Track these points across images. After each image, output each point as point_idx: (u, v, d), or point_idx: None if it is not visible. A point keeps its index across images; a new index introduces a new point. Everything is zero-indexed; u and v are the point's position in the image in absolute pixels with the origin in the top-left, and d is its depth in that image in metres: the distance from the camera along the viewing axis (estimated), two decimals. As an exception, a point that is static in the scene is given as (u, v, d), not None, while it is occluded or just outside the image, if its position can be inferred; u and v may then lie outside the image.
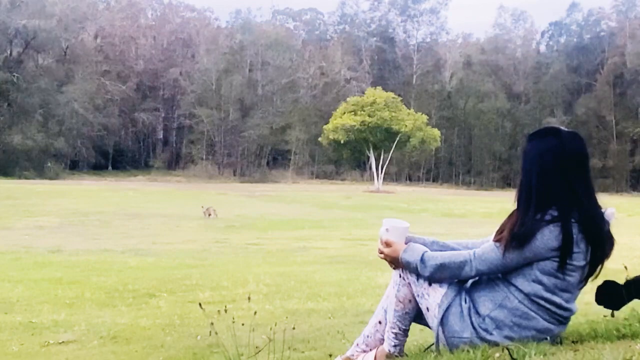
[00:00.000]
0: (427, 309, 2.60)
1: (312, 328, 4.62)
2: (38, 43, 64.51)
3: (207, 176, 64.33)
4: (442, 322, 2.54)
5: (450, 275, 2.55)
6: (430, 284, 2.59)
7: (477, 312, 2.53)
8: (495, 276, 2.58)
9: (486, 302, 2.54)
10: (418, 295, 2.62)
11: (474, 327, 2.51)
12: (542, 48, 78.10)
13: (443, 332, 2.54)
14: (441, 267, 2.54)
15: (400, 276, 2.65)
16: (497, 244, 2.52)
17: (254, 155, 69.69)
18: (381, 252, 2.66)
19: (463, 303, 2.55)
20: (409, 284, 2.63)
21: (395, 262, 2.64)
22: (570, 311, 2.58)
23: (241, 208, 28.67)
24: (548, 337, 2.51)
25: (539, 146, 2.63)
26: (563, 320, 2.57)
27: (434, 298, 2.58)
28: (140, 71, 72.52)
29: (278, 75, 71.10)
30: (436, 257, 2.56)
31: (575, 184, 2.56)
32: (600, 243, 2.54)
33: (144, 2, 79.03)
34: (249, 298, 5.37)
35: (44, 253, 12.82)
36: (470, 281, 2.62)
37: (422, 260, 2.56)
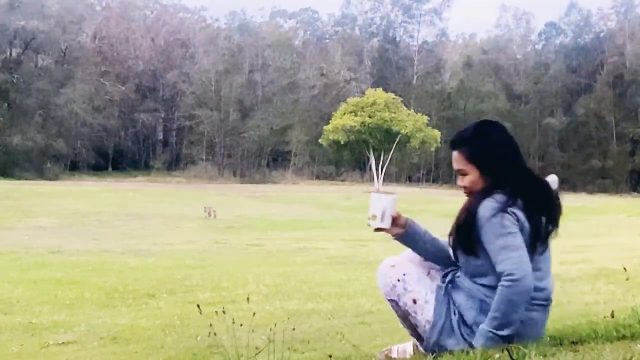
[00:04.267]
0: (417, 325, 2.60)
1: (312, 329, 4.62)
2: (37, 44, 64.54)
3: (207, 177, 64.32)
4: (437, 342, 2.54)
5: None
6: (415, 302, 2.58)
7: (465, 323, 2.53)
8: (467, 281, 2.57)
9: (469, 310, 2.53)
10: (406, 312, 2.62)
11: (464, 339, 2.50)
12: (542, 48, 78.09)
13: (438, 349, 2.53)
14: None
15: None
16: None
17: (254, 156, 69.68)
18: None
19: (452, 315, 2.55)
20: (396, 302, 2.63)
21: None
22: (546, 289, 2.57)
23: (241, 209, 28.68)
24: (539, 329, 2.52)
25: (472, 149, 2.63)
26: (544, 303, 2.56)
27: (423, 315, 2.58)
28: (140, 72, 72.52)
29: (278, 76, 71.11)
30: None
31: (513, 168, 2.63)
32: (549, 208, 2.64)
33: (141, 2, 79.01)
34: (247, 299, 5.36)
35: (43, 253, 12.82)
36: (450, 286, 2.61)
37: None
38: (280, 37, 75.94)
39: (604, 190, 58.57)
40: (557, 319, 4.15)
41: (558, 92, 69.26)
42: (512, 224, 2.46)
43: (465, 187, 2.63)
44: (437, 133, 55.90)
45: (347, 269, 9.98)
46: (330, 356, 2.71)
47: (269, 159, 71.30)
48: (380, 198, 2.64)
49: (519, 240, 2.46)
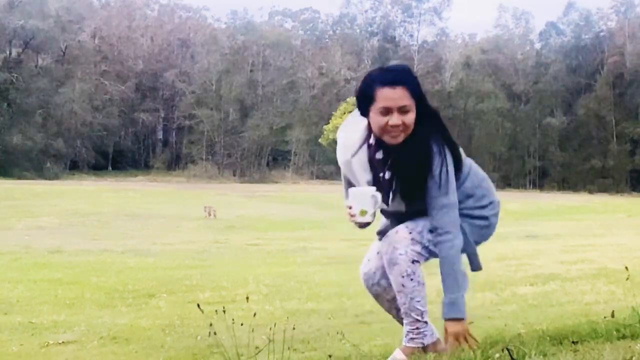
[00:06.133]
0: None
1: (312, 328, 4.62)
2: (37, 43, 64.52)
3: (207, 176, 64.31)
4: None
5: None
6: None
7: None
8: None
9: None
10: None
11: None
12: (542, 48, 78.05)
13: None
14: None
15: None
16: None
17: (254, 156, 69.66)
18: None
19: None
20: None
21: None
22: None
23: (241, 208, 28.67)
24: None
25: (415, 87, 2.61)
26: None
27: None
28: (140, 71, 72.48)
29: (278, 75, 71.13)
30: None
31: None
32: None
33: (142, 1, 78.99)
34: (247, 298, 5.36)
35: (43, 253, 12.82)
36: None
37: None
38: (280, 36, 75.95)
39: (604, 190, 58.56)
40: (557, 318, 4.15)
41: (558, 92, 69.20)
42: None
43: (403, 126, 2.52)
44: (437, 132, 55.78)
45: (347, 269, 9.96)
46: (330, 356, 2.71)
47: (269, 159, 71.29)
48: (367, 193, 2.61)
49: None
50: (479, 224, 2.68)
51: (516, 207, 30.30)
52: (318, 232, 19.18)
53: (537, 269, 8.92)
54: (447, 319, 2.53)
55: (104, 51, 70.98)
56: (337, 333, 3.99)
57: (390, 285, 2.69)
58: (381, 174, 2.62)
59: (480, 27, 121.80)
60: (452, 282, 2.53)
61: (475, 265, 2.68)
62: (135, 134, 71.90)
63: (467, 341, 2.52)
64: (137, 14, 77.32)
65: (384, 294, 2.81)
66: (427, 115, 2.58)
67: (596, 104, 65.85)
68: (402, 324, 2.70)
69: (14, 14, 61.78)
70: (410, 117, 2.53)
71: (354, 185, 2.76)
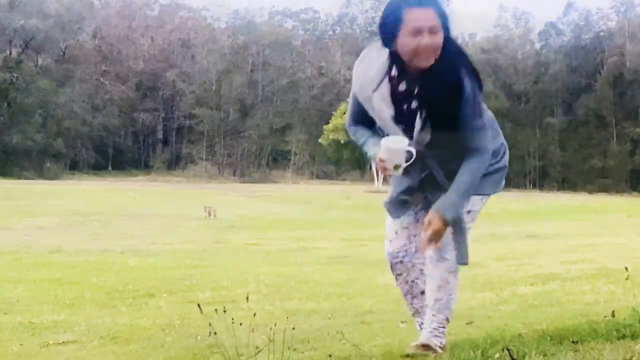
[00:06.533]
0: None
1: (312, 328, 4.61)
2: (37, 43, 64.54)
3: (207, 176, 64.33)
4: None
5: None
6: None
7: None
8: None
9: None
10: None
11: None
12: (542, 48, 78.04)
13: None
14: None
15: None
16: None
17: (254, 156, 69.68)
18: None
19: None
20: None
21: None
22: None
23: (241, 208, 28.68)
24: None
25: (440, 9, 2.55)
26: None
27: None
28: (140, 71, 72.48)
29: (278, 75, 71.13)
30: None
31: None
32: None
33: (142, 1, 78.96)
34: (247, 298, 5.36)
35: (44, 253, 12.81)
36: None
37: None
38: (280, 36, 75.95)
39: (604, 189, 58.55)
40: (557, 318, 4.15)
41: (558, 92, 69.21)
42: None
43: (433, 47, 2.46)
44: (437, 132, 55.79)
45: (347, 269, 9.98)
46: (330, 356, 2.71)
47: (269, 159, 71.31)
48: (402, 147, 2.52)
49: None
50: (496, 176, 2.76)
51: (516, 207, 30.31)
52: (318, 232, 19.16)
53: (537, 269, 8.92)
54: (437, 213, 2.55)
55: (104, 51, 70.98)
56: (337, 333, 3.99)
57: (413, 266, 2.73)
58: (405, 106, 2.56)
59: (480, 26, 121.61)
60: (464, 187, 2.56)
61: (463, 258, 2.67)
62: (135, 134, 71.89)
63: (437, 241, 2.56)
64: (137, 14, 77.29)
65: (405, 273, 2.83)
66: (447, 39, 2.52)
67: (596, 104, 65.87)
68: (414, 312, 2.74)
69: (14, 14, 61.77)
70: (439, 38, 2.47)
71: (367, 119, 2.71)
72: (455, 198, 2.54)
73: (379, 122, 2.65)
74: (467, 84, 2.47)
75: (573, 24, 75.69)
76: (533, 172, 66.89)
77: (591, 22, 75.22)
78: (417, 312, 2.87)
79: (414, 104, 2.54)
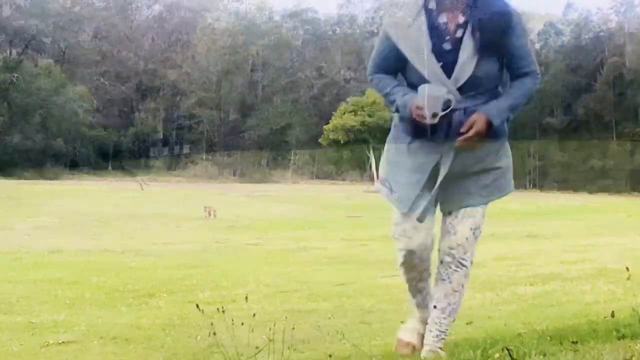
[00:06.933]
0: None
1: (312, 328, 4.61)
2: (37, 43, 64.51)
3: (207, 176, 64.29)
4: None
5: None
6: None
7: None
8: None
9: None
10: None
11: None
12: (542, 48, 77.97)
13: None
14: None
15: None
16: None
17: (254, 156, 69.66)
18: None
19: None
20: None
21: None
22: None
23: (241, 208, 28.67)
24: None
25: None
26: None
27: None
28: (140, 71, 72.46)
29: (279, 75, 71.13)
30: None
31: None
32: None
33: (142, 2, 78.96)
34: (246, 298, 5.36)
35: (44, 253, 12.80)
36: None
37: None
38: (280, 36, 75.93)
39: (604, 190, 58.49)
40: (557, 318, 4.15)
41: (558, 92, 69.18)
42: None
43: None
44: (437, 132, 55.75)
45: (347, 269, 9.98)
46: (330, 356, 2.71)
47: (269, 159, 71.29)
48: (442, 95, 2.51)
49: None
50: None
51: (516, 207, 30.24)
52: (318, 232, 19.15)
53: (537, 269, 8.91)
54: (485, 114, 2.57)
55: (104, 51, 70.96)
56: (337, 333, 3.99)
57: (428, 259, 2.76)
58: (447, 38, 2.53)
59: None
60: (516, 101, 2.70)
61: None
62: (135, 134, 71.88)
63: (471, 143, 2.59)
64: (137, 14, 77.29)
65: (421, 266, 2.82)
66: None
67: (596, 104, 65.85)
68: (419, 307, 2.76)
69: (14, 14, 61.76)
70: None
71: (392, 66, 2.71)
72: (505, 106, 2.61)
73: (414, 61, 2.56)
74: (512, 9, 2.52)
75: (573, 24, 75.66)
76: (533, 172, 66.88)
77: (591, 22, 75.19)
78: (418, 292, 2.88)
79: (459, 33, 2.50)
